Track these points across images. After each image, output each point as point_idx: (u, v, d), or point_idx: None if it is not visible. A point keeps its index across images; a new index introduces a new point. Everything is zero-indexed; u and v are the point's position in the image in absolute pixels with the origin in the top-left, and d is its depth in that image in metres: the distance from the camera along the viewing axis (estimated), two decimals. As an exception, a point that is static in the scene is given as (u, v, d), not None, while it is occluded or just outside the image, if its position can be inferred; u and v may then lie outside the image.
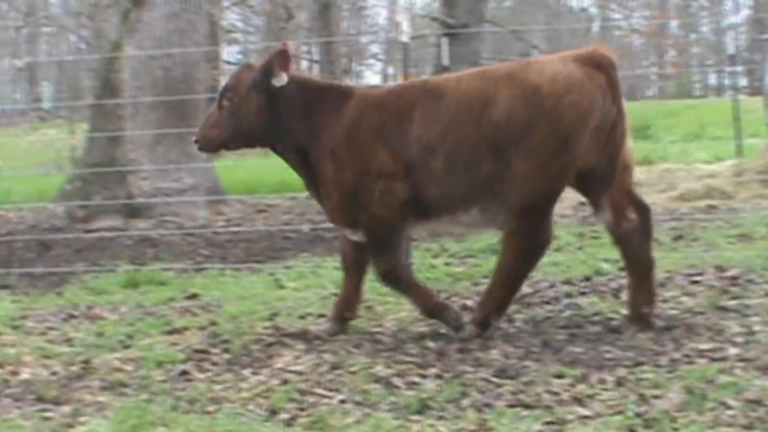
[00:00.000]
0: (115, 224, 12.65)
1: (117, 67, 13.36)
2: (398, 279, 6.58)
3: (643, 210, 6.48)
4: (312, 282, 8.46)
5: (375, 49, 51.90)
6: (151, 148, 13.29)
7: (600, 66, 6.30)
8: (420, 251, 9.28)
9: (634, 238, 6.40)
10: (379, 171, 6.43)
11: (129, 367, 5.95)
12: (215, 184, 14.08)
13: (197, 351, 6.26)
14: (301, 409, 5.06)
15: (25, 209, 15.12)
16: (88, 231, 12.27)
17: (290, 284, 8.46)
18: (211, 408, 5.09)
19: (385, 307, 7.27)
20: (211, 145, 6.94)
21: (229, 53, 44.07)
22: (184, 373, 5.80)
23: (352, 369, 5.69)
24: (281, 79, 6.62)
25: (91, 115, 14.17)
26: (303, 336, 6.52)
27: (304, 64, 49.63)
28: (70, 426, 4.89)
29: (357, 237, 6.66)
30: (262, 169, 18.37)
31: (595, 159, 6.22)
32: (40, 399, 5.41)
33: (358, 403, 5.14)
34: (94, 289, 8.69)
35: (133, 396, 5.36)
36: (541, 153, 6.13)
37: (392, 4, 49.46)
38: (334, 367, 5.76)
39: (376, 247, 6.59)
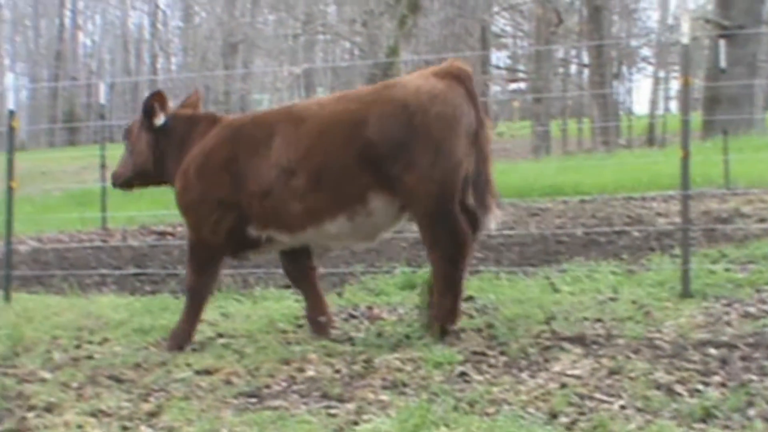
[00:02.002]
0: (390, 227, 12.95)
1: (393, 72, 13.71)
2: (193, 297, 7.14)
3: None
4: (587, 286, 8.41)
5: (646, 52, 50.81)
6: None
7: (458, 78, 6.73)
8: (697, 256, 9.06)
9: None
10: (219, 200, 7.02)
11: (408, 367, 6.06)
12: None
13: (475, 353, 6.33)
14: (581, 414, 5.04)
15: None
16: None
17: (565, 288, 8.43)
18: (490, 410, 5.13)
19: (664, 313, 7.14)
20: (119, 183, 7.78)
21: (498, 58, 44.30)
22: (462, 374, 5.86)
23: (632, 374, 5.63)
24: (159, 119, 7.46)
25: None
26: (580, 340, 6.49)
27: (573, 68, 49.29)
28: (355, 423, 5.02)
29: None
30: (534, 172, 18.38)
31: (469, 165, 6.67)
32: (325, 396, 5.59)
33: (639, 409, 5.07)
34: (372, 290, 8.91)
35: (414, 396, 5.45)
36: (420, 164, 6.55)
37: (664, 6, 48.34)
38: (613, 372, 5.71)
39: (190, 263, 7.23)
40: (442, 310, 6.79)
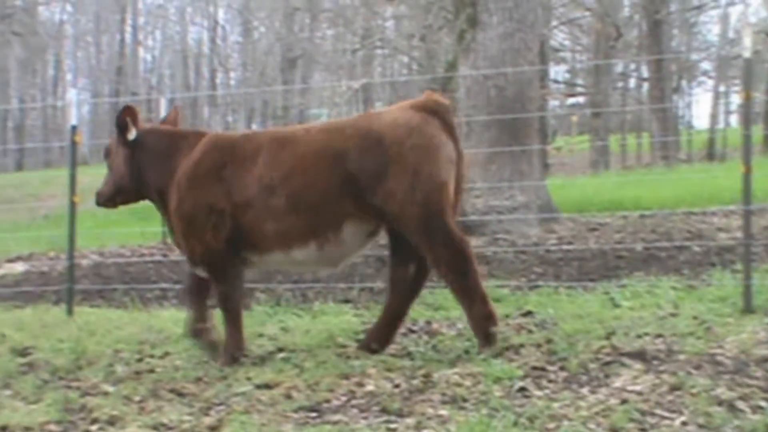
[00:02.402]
0: (449, 241, 12.96)
1: (452, 87, 13.71)
2: (228, 306, 7.26)
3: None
4: (648, 301, 8.35)
5: (706, 66, 50.30)
6: (485, 167, 13.53)
7: (435, 111, 6.95)
8: (759, 272, 8.96)
9: None
10: (212, 206, 7.16)
11: (468, 382, 6.06)
12: (547, 202, 14.15)
13: (534, 368, 6.32)
14: (643, 430, 5.01)
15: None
16: (423, 247, 12.64)
17: (625, 303, 8.38)
18: (551, 425, 5.12)
19: (726, 328, 7.07)
20: (101, 202, 7.94)
21: (557, 72, 44.11)
22: (522, 389, 5.86)
23: (693, 390, 5.58)
24: (132, 133, 7.60)
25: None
26: (641, 355, 6.43)
27: (632, 83, 48.93)
28: (415, 438, 5.06)
29: (198, 270, 7.38)
30: (593, 187, 18.28)
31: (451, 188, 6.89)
32: (384, 410, 5.61)
33: (701, 426, 5.04)
34: (431, 304, 8.92)
35: (473, 411, 5.45)
36: (398, 192, 6.75)
37: (725, 20, 47.84)
38: (674, 388, 5.66)
39: (211, 275, 7.31)
40: (478, 318, 6.84)
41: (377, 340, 7.18)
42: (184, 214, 7.33)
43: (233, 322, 7.27)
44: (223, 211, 7.17)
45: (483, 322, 6.82)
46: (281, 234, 7.06)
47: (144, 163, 7.64)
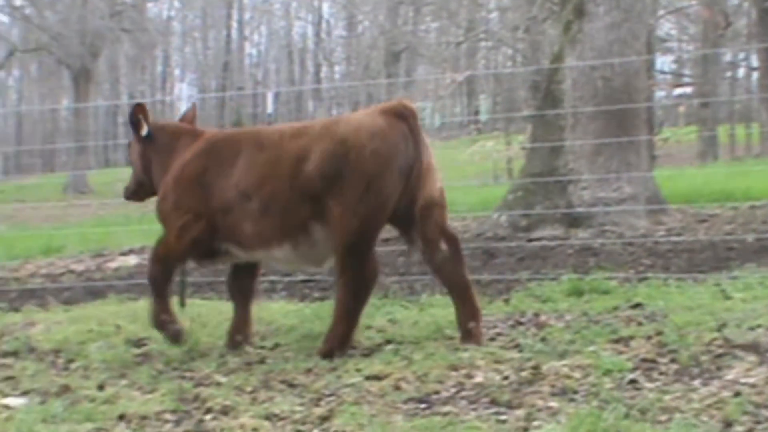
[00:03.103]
0: (556, 233, 12.89)
1: (558, 78, 13.62)
2: (155, 286, 7.62)
3: (452, 240, 7.24)
4: (760, 293, 8.19)
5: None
6: (592, 158, 13.41)
7: (401, 116, 7.02)
8: None
9: (448, 265, 7.18)
10: (188, 208, 7.47)
11: (577, 374, 6.00)
12: (655, 193, 13.97)
13: (645, 360, 6.23)
14: (757, 423, 4.90)
15: (468, 219, 15.74)
16: (530, 240, 12.59)
17: (737, 295, 8.23)
18: (663, 417, 5.04)
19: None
20: (126, 196, 8.43)
21: (663, 62, 43.42)
22: (632, 381, 5.78)
23: (808, 384, 5.46)
24: (144, 130, 7.91)
25: (533, 126, 14.53)
26: (754, 348, 6.30)
27: (741, 72, 47.91)
28: (525, 429, 5.00)
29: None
30: (702, 178, 17.99)
31: (400, 198, 6.96)
32: (493, 402, 5.58)
33: (817, 419, 4.93)
34: (539, 296, 8.88)
35: (584, 403, 5.40)
36: (349, 197, 6.89)
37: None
38: (789, 381, 5.55)
39: (155, 258, 7.74)
40: (335, 335, 7.08)
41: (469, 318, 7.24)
42: (162, 211, 7.73)
43: (158, 297, 7.63)
44: (199, 215, 7.49)
45: (338, 342, 7.05)
46: (259, 235, 7.32)
47: (153, 159, 8.02)
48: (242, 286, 7.89)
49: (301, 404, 5.75)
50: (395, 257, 12.25)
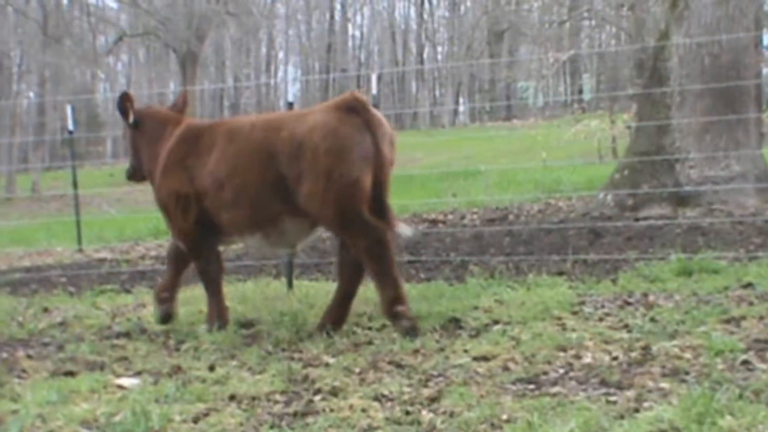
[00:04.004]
0: (663, 212, 12.69)
1: (665, 56, 13.37)
2: (206, 276, 8.08)
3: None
4: None
5: None
6: (699, 136, 13.16)
7: (354, 110, 7.22)
8: None
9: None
10: (179, 191, 7.89)
11: (688, 355, 5.91)
12: (764, 171, 13.62)
13: (757, 341, 6.11)
14: None
15: (574, 198, 15.58)
16: (637, 219, 12.41)
17: None
18: (777, 399, 4.95)
19: None
20: (128, 176, 8.83)
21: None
22: (745, 362, 5.66)
23: None
24: (131, 117, 8.39)
25: (638, 105, 14.29)
26: None
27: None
28: (636, 411, 4.93)
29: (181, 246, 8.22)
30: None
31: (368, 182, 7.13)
32: (603, 383, 5.52)
33: None
34: (647, 276, 8.74)
35: (695, 384, 5.30)
36: (316, 192, 7.18)
37: None
38: None
39: (188, 253, 8.16)
40: (388, 298, 7.21)
41: (331, 321, 7.51)
42: (160, 201, 8.17)
43: (213, 294, 8.08)
44: (189, 197, 7.87)
45: (392, 305, 7.17)
46: (234, 223, 7.73)
47: (140, 146, 8.47)
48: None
49: (410, 385, 5.76)
50: (501, 237, 12.19)
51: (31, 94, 52.61)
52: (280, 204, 7.43)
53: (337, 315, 7.53)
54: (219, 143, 7.76)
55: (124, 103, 8.39)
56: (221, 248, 8.43)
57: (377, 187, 7.19)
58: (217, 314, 8.00)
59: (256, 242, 7.94)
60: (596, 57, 38.17)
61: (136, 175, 8.73)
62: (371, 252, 7.12)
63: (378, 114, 7.40)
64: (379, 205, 7.20)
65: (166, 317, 8.23)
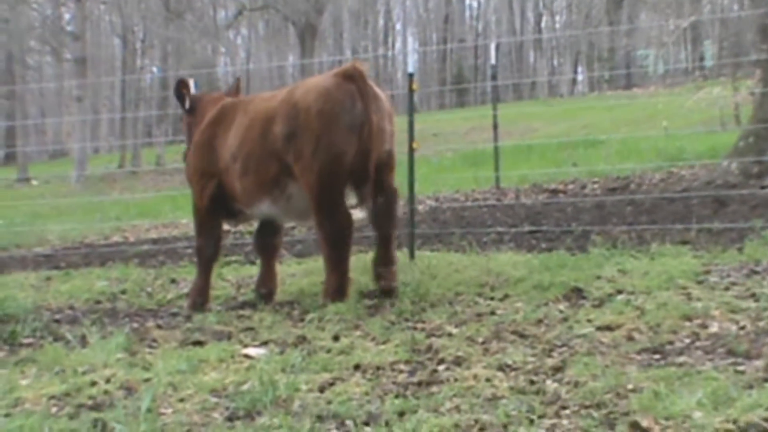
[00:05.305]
0: (790, 180, 12.37)
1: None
2: (201, 255, 8.50)
3: (392, 196, 7.91)
4: None
5: None
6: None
7: (351, 77, 7.48)
8: None
9: (380, 217, 7.89)
10: (203, 170, 8.29)
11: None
12: None
13: None
14: None
15: (697, 166, 15.27)
16: (763, 187, 12.11)
17: None
18: None
19: None
20: (185, 159, 8.90)
21: None
22: None
23: None
24: (187, 103, 8.76)
25: (763, 70, 13.89)
26: None
27: None
28: (765, 380, 4.80)
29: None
30: None
31: (355, 155, 7.42)
32: (730, 352, 5.40)
33: None
34: (775, 244, 8.55)
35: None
36: (304, 154, 7.46)
37: None
38: None
39: (195, 227, 8.67)
40: (329, 287, 7.66)
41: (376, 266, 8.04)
42: (188, 175, 8.62)
43: (200, 272, 8.49)
44: (212, 176, 8.25)
45: (333, 293, 7.60)
46: (245, 191, 7.99)
47: (193, 129, 8.68)
48: (266, 244, 8.62)
49: (533, 355, 5.72)
50: (623, 206, 12.02)
51: (155, 69, 53.55)
52: (279, 166, 7.69)
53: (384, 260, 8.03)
54: (238, 118, 8.11)
55: (180, 89, 8.77)
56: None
57: (363, 159, 7.43)
58: (198, 291, 8.45)
59: (267, 210, 8.10)
60: (718, 22, 37.16)
61: None
62: (331, 238, 7.56)
63: (376, 88, 7.68)
64: (363, 179, 7.51)
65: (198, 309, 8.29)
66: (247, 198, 8.03)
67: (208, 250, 8.46)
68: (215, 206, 8.34)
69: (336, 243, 7.57)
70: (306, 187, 7.58)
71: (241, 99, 8.74)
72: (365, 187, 7.61)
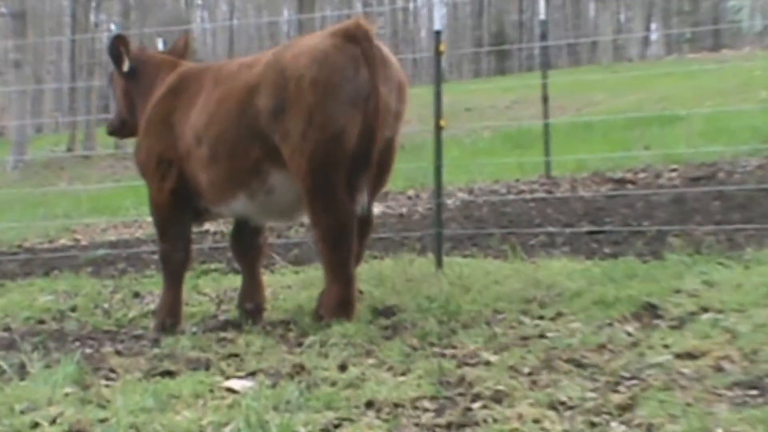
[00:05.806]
0: None
1: None
2: (168, 264, 8.37)
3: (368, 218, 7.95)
4: None
5: None
6: None
7: (354, 38, 7.33)
8: None
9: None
10: (160, 155, 8.14)
11: None
12: None
13: None
14: None
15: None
16: None
17: None
18: None
19: None
20: (111, 131, 9.24)
21: None
22: None
23: None
24: (125, 65, 8.66)
25: None
26: None
27: None
28: None
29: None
30: None
31: (354, 136, 7.27)
32: None
33: None
34: None
35: None
36: (293, 135, 7.32)
37: None
38: None
39: (156, 229, 8.51)
40: (329, 299, 7.60)
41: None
42: (138, 162, 8.48)
43: (169, 286, 8.40)
44: (171, 162, 8.13)
45: (336, 309, 7.53)
46: (213, 184, 7.89)
47: (136, 97, 8.70)
48: (246, 246, 8.59)
49: (594, 389, 5.71)
50: (709, 201, 12.00)
51: (113, 26, 53.69)
52: (261, 150, 7.57)
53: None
54: (205, 89, 7.98)
55: (117, 47, 8.65)
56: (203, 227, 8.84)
57: (366, 140, 7.31)
58: (168, 310, 8.34)
59: (241, 208, 7.98)
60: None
61: (124, 129, 9.04)
62: (330, 238, 7.42)
63: (386, 51, 7.55)
64: (362, 165, 7.39)
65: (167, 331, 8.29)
66: (214, 193, 7.94)
67: (175, 257, 8.34)
68: (179, 200, 8.21)
69: (336, 244, 7.42)
70: (296, 176, 7.44)
71: (210, 64, 8.74)
72: (362, 177, 7.50)
